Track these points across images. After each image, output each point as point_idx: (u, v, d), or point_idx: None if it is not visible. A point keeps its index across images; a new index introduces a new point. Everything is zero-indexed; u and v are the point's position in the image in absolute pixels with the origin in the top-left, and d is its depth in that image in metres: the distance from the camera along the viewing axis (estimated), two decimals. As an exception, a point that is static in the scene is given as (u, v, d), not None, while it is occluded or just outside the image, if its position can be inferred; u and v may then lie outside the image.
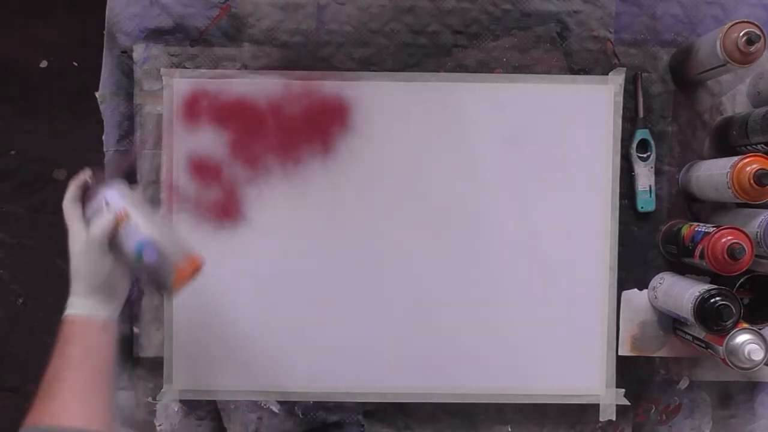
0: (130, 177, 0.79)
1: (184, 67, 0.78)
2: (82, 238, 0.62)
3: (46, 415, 0.55)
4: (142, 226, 0.63)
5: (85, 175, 0.67)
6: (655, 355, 0.80)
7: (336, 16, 0.79)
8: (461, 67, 0.79)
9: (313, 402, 0.80)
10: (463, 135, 0.79)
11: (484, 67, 0.79)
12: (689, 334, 0.75)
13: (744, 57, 0.67)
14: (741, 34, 0.66)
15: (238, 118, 0.78)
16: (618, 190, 0.79)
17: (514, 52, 0.79)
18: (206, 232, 0.78)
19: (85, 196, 0.66)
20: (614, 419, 0.80)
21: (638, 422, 0.81)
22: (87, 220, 0.64)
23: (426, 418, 0.80)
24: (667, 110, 0.80)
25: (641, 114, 0.79)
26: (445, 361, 0.80)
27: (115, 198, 0.65)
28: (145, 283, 0.68)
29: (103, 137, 0.80)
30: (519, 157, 0.79)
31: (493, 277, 0.79)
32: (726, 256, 0.66)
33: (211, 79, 0.78)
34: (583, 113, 0.79)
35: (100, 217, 0.63)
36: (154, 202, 0.79)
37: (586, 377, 0.80)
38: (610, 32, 0.79)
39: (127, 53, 0.79)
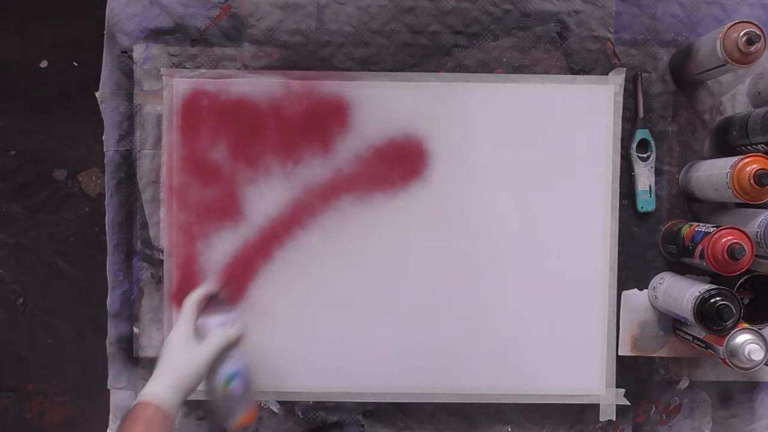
0: (130, 179, 0.79)
1: (184, 67, 0.78)
2: (192, 339, 0.67)
3: None
4: (244, 359, 0.71)
5: (216, 286, 0.75)
6: (655, 355, 0.80)
7: (336, 16, 0.79)
8: (461, 67, 0.79)
9: (313, 402, 0.80)
10: (463, 135, 0.79)
11: (484, 67, 0.79)
12: (689, 334, 0.75)
13: (744, 57, 0.67)
14: (741, 34, 0.66)
15: (238, 118, 0.78)
16: (618, 190, 0.79)
17: (514, 52, 0.79)
18: (206, 230, 0.78)
19: (209, 305, 0.73)
20: (614, 419, 0.80)
21: (638, 422, 0.81)
22: (196, 327, 0.69)
23: (426, 418, 0.80)
24: (667, 110, 0.80)
25: (641, 114, 0.79)
26: (445, 361, 0.80)
27: (240, 322, 0.71)
28: (213, 407, 0.72)
29: (103, 137, 0.80)
30: (519, 157, 0.79)
31: (493, 277, 0.79)
32: (726, 256, 0.66)
33: (211, 79, 0.78)
34: (583, 113, 0.79)
35: (228, 330, 0.69)
36: (154, 202, 0.79)
37: (586, 377, 0.80)
38: (610, 32, 0.79)
39: (127, 53, 0.79)
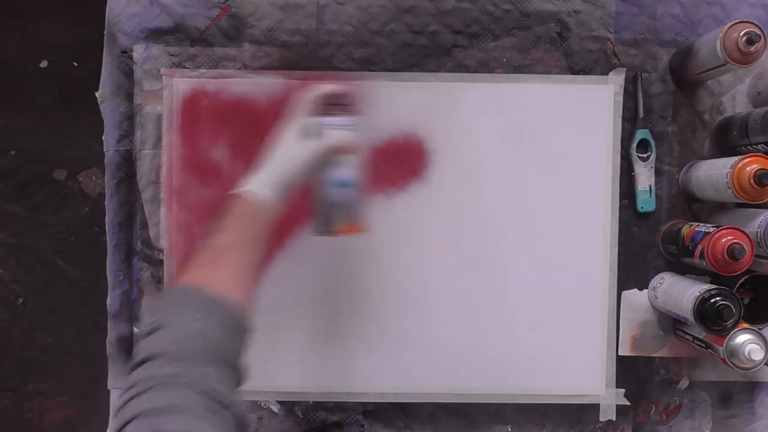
0: (130, 179, 0.79)
1: (184, 67, 0.78)
2: (298, 133, 0.63)
3: (208, 281, 0.53)
4: (357, 170, 0.66)
5: (342, 88, 0.68)
6: (655, 355, 0.80)
7: (336, 16, 0.79)
8: (461, 67, 0.79)
9: (313, 402, 0.80)
10: (463, 135, 0.79)
11: (484, 67, 0.79)
12: (689, 334, 0.75)
13: (744, 57, 0.67)
14: (741, 34, 0.66)
15: (238, 118, 0.78)
16: (618, 190, 0.79)
17: (514, 52, 0.79)
18: (206, 230, 0.78)
19: (327, 104, 0.67)
20: (614, 419, 0.80)
21: (638, 422, 0.81)
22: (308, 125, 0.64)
23: (426, 418, 0.80)
24: (667, 110, 0.80)
25: (641, 114, 0.79)
26: (445, 361, 0.80)
27: (359, 130, 0.66)
28: (314, 212, 0.68)
29: (103, 137, 0.80)
30: (519, 157, 0.79)
31: (493, 277, 0.79)
32: (726, 256, 0.66)
33: (211, 79, 0.78)
34: (583, 113, 0.79)
35: (342, 133, 0.64)
36: (154, 202, 0.79)
37: (586, 377, 0.80)
38: (610, 32, 0.79)
39: (127, 53, 0.79)
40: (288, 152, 0.63)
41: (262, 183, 0.61)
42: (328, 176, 0.65)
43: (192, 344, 0.48)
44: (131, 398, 0.43)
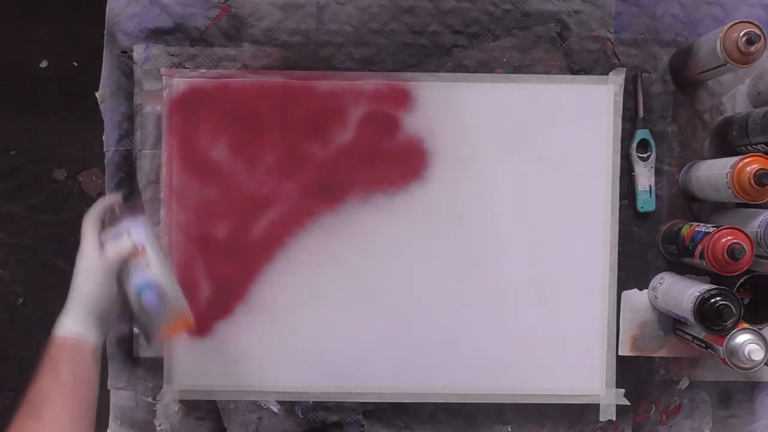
0: (130, 179, 0.79)
1: (184, 67, 0.78)
2: (93, 257, 0.62)
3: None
4: (153, 268, 0.64)
5: (114, 199, 0.69)
6: (655, 355, 0.80)
7: (336, 16, 0.79)
8: (461, 67, 0.79)
9: (313, 402, 0.80)
10: (463, 135, 0.79)
11: (484, 67, 0.79)
12: (689, 334, 0.75)
13: (744, 57, 0.67)
14: (741, 34, 0.66)
15: (238, 118, 0.78)
16: (618, 190, 0.79)
17: (514, 52, 0.79)
18: (206, 230, 0.78)
19: (108, 219, 0.67)
20: (614, 419, 0.80)
21: (638, 422, 0.81)
22: (101, 243, 0.64)
23: (426, 418, 0.80)
24: (667, 110, 0.80)
25: (641, 114, 0.79)
26: (445, 361, 0.80)
27: (139, 231, 0.65)
28: (135, 323, 0.68)
29: (103, 137, 0.80)
30: (519, 157, 0.79)
31: (493, 277, 0.79)
32: (726, 256, 0.66)
33: (211, 79, 0.78)
34: (583, 113, 0.79)
35: (119, 242, 0.63)
36: (154, 202, 0.79)
37: (586, 377, 0.80)
38: (610, 32, 0.79)
39: (127, 53, 0.79)
40: (84, 279, 0.61)
41: (72, 320, 0.60)
42: (129, 287, 0.63)
43: None
44: None
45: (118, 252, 0.63)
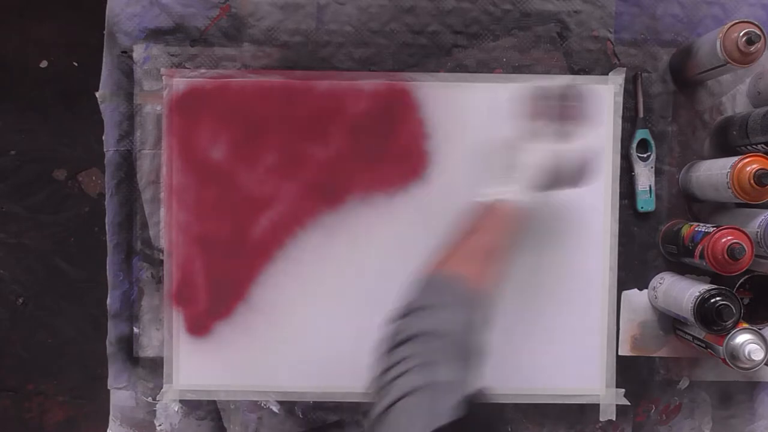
0: (130, 179, 0.79)
1: (184, 67, 0.78)
2: (541, 137, 0.65)
3: (469, 273, 0.56)
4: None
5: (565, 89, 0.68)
6: (655, 355, 0.80)
7: (336, 16, 0.79)
8: (461, 67, 0.79)
9: (313, 402, 0.80)
10: (463, 135, 0.79)
11: (484, 67, 0.79)
12: (689, 334, 0.75)
13: (744, 57, 0.67)
14: (741, 34, 0.66)
15: (238, 118, 0.78)
16: (618, 190, 0.79)
17: (514, 52, 0.79)
18: (206, 230, 0.78)
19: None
20: (614, 419, 0.80)
21: (638, 422, 0.81)
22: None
23: (426, 418, 0.80)
24: (667, 110, 0.80)
25: (641, 114, 0.79)
26: (445, 361, 0.79)
27: None
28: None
29: (103, 137, 0.80)
30: (519, 157, 0.79)
31: (493, 277, 0.79)
32: (726, 256, 0.66)
33: (211, 79, 0.78)
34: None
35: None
36: (154, 202, 0.79)
37: (586, 377, 0.80)
38: (610, 32, 0.79)
39: (127, 53, 0.79)
40: (534, 157, 0.64)
41: (515, 191, 0.63)
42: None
43: (452, 329, 0.51)
44: (401, 374, 0.46)
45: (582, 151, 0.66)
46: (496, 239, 0.60)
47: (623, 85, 0.79)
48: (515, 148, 0.65)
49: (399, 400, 0.44)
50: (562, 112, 0.66)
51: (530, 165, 0.64)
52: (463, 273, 0.56)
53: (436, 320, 0.51)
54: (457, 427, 0.43)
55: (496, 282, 0.59)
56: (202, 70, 0.78)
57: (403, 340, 0.49)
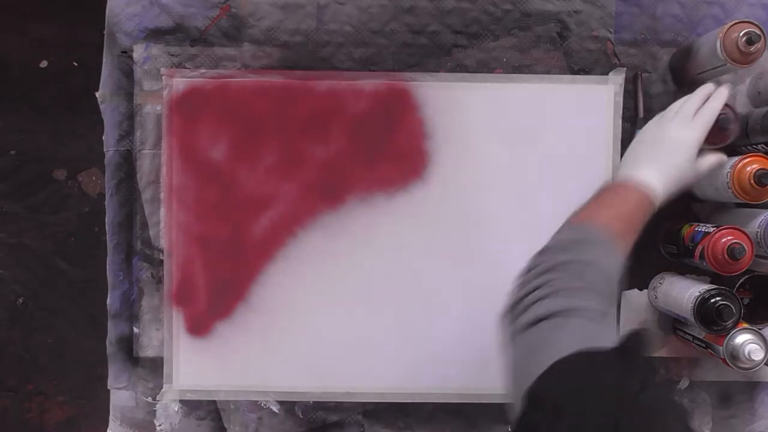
0: (130, 179, 0.79)
1: (184, 67, 0.78)
2: (697, 134, 0.66)
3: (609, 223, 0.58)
4: None
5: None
6: (655, 355, 0.80)
7: (336, 16, 0.79)
8: (461, 67, 0.79)
9: (313, 402, 0.80)
10: (463, 135, 0.79)
11: (484, 67, 0.79)
12: (689, 334, 0.75)
13: (744, 57, 0.67)
14: (741, 34, 0.66)
15: (238, 118, 0.78)
16: (618, 190, 0.79)
17: (514, 52, 0.79)
18: (206, 230, 0.78)
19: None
20: (614, 419, 0.80)
21: (638, 422, 0.81)
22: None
23: (426, 418, 0.80)
24: (667, 110, 0.80)
25: (641, 114, 0.79)
26: (445, 361, 0.79)
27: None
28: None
29: (103, 137, 0.80)
30: (519, 157, 0.79)
31: (493, 277, 0.79)
32: (726, 256, 0.66)
33: (211, 79, 0.78)
34: (583, 113, 0.79)
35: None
36: (154, 202, 0.79)
37: (586, 377, 0.80)
38: (610, 32, 0.79)
39: (127, 53, 0.79)
40: (674, 145, 0.66)
41: (651, 176, 0.64)
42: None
43: (598, 261, 0.52)
44: (547, 295, 0.47)
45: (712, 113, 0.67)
46: (625, 223, 0.61)
47: (623, 85, 0.79)
48: (656, 133, 0.67)
49: (546, 318, 0.45)
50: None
51: (668, 153, 0.65)
52: (611, 225, 0.57)
53: (582, 253, 0.53)
54: (618, 354, 0.43)
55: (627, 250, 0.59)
56: (202, 70, 0.78)
57: (549, 268, 0.51)
